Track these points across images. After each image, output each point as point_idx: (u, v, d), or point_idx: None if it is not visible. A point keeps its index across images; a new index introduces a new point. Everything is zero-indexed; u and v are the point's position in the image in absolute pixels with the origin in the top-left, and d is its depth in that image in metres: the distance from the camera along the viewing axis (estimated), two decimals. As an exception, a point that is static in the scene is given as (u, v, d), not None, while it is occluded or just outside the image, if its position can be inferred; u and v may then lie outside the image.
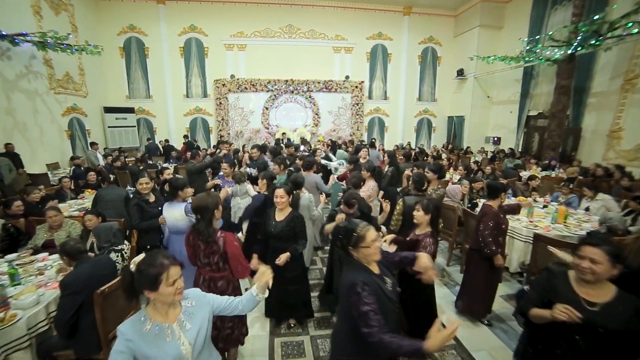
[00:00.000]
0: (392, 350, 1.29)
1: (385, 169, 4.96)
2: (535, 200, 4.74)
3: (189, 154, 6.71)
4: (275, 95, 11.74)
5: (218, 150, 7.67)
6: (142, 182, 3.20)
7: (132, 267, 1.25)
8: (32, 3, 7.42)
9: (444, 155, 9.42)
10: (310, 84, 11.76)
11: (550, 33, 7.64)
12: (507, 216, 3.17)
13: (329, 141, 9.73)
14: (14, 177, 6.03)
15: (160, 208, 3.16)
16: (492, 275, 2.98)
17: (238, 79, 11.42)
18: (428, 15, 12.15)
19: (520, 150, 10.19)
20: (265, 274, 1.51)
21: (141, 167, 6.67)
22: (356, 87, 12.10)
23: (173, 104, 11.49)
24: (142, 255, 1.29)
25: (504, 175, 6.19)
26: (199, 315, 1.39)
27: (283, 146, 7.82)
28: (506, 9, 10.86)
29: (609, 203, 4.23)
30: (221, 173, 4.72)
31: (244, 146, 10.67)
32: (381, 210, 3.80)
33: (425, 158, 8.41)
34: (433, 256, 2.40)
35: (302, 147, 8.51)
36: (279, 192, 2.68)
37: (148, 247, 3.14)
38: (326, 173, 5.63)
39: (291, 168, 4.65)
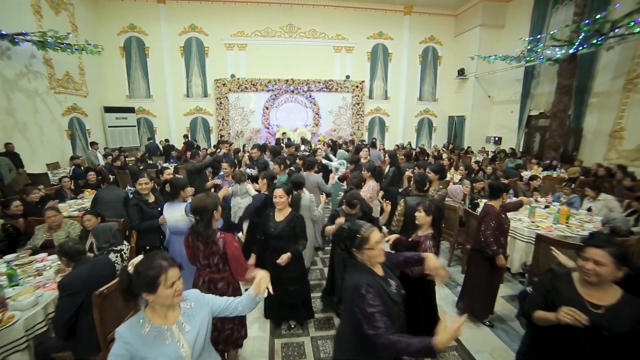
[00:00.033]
0: (401, 350, 1.26)
1: (386, 169, 4.93)
2: (536, 201, 4.72)
3: (189, 153, 6.70)
4: (275, 94, 11.72)
5: (218, 150, 7.66)
6: (141, 182, 3.18)
7: (130, 269, 1.23)
8: (32, 2, 7.40)
9: (444, 155, 9.39)
10: (311, 83, 11.74)
11: (552, 32, 7.60)
12: (509, 216, 3.15)
13: (330, 141, 9.72)
14: (14, 177, 6.03)
15: (159, 208, 3.14)
16: (493, 275, 2.97)
17: (238, 79, 11.41)
18: (429, 15, 12.12)
19: (521, 150, 10.17)
20: (262, 281, 1.47)
21: (141, 167, 6.65)
22: (357, 86, 12.08)
23: (173, 104, 11.48)
24: (140, 257, 1.27)
25: (505, 175, 6.17)
26: (199, 316, 1.37)
27: (283, 146, 7.80)
28: (507, 8, 10.83)
29: (611, 203, 4.20)
30: (221, 173, 4.71)
31: (244, 146, 10.66)
32: (381, 210, 3.79)
33: (426, 158, 8.39)
34: None
35: (302, 147, 8.49)
36: (278, 192, 2.66)
37: (147, 247, 3.12)
38: (326, 173, 5.61)
39: (292, 168, 4.63)
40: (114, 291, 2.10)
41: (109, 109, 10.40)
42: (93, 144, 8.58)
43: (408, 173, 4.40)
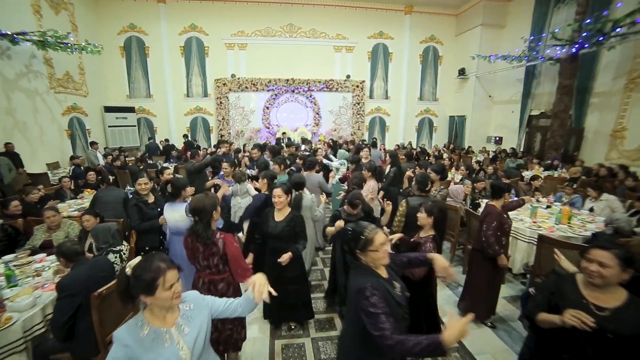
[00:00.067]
0: (409, 348, 1.24)
1: (387, 169, 4.91)
2: (538, 201, 4.70)
3: (189, 153, 6.68)
4: (276, 94, 11.71)
5: (217, 150, 7.64)
6: (140, 182, 3.16)
7: (128, 270, 1.21)
8: (31, 2, 7.39)
9: (445, 155, 9.36)
10: (311, 83, 11.72)
11: (553, 32, 7.57)
12: (511, 216, 3.13)
13: (330, 141, 9.70)
14: (14, 177, 6.01)
15: (159, 209, 3.12)
16: (494, 275, 2.95)
17: (239, 78, 11.39)
18: (429, 14, 12.10)
19: (522, 150, 10.14)
20: (262, 287, 1.39)
21: (141, 167, 6.63)
22: (357, 86, 12.05)
23: (173, 104, 11.47)
24: (138, 259, 1.25)
25: (507, 175, 6.15)
26: (198, 318, 1.35)
27: (284, 145, 7.78)
28: (508, 7, 10.80)
29: (613, 204, 4.18)
30: (222, 172, 4.69)
31: (244, 145, 10.64)
32: (382, 211, 3.76)
33: (426, 158, 8.36)
34: None
35: (303, 147, 8.47)
36: (277, 191, 2.64)
37: (147, 248, 3.10)
38: (326, 172, 5.59)
39: (292, 168, 4.61)
40: (112, 292, 2.08)
41: (109, 109, 10.39)
42: (93, 143, 8.57)
43: (409, 173, 4.37)
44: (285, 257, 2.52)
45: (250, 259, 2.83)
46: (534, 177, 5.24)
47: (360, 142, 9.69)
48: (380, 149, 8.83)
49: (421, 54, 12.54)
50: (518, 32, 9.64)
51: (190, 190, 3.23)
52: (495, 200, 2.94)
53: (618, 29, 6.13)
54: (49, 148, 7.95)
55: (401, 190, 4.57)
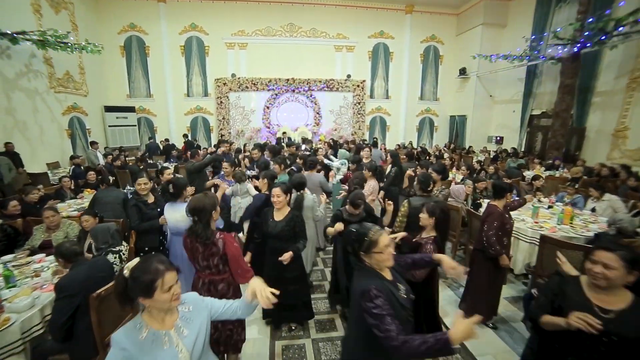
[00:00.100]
0: (415, 348, 1.22)
1: (388, 169, 4.89)
2: (539, 201, 4.67)
3: (189, 153, 6.67)
4: (276, 94, 11.69)
5: (217, 149, 7.62)
6: (140, 182, 3.13)
7: (126, 272, 1.19)
8: (31, 1, 7.38)
9: (446, 155, 9.34)
10: (312, 82, 11.70)
11: (555, 31, 7.54)
12: (513, 216, 3.11)
13: (330, 140, 9.68)
14: (14, 177, 6.00)
15: (159, 209, 3.10)
16: (496, 275, 2.93)
17: (239, 78, 11.38)
18: (430, 14, 12.07)
19: (523, 150, 10.11)
20: (263, 292, 1.35)
21: (141, 167, 6.62)
22: (358, 86, 12.03)
23: (174, 103, 11.46)
24: (136, 260, 1.23)
25: (508, 175, 6.12)
26: (197, 320, 1.34)
27: (284, 145, 7.76)
28: (509, 6, 10.77)
29: (615, 204, 4.15)
30: (222, 172, 4.68)
31: (245, 145, 10.63)
32: (383, 211, 3.74)
33: (427, 158, 8.34)
34: None
35: (303, 146, 8.45)
36: (276, 191, 2.63)
37: (146, 248, 3.08)
38: (326, 171, 5.57)
39: (293, 167, 4.59)
40: (111, 293, 2.06)
41: (109, 108, 10.38)
42: (93, 143, 8.56)
43: (409, 172, 4.35)
44: (286, 256, 2.50)
45: (248, 257, 2.82)
46: (536, 177, 5.21)
47: (361, 142, 9.67)
48: (380, 149, 8.80)
49: (422, 53, 12.51)
50: (519, 31, 9.61)
51: (190, 190, 3.21)
52: (497, 200, 2.92)
53: (620, 28, 6.10)
54: (49, 148, 7.95)
55: (402, 189, 4.55)
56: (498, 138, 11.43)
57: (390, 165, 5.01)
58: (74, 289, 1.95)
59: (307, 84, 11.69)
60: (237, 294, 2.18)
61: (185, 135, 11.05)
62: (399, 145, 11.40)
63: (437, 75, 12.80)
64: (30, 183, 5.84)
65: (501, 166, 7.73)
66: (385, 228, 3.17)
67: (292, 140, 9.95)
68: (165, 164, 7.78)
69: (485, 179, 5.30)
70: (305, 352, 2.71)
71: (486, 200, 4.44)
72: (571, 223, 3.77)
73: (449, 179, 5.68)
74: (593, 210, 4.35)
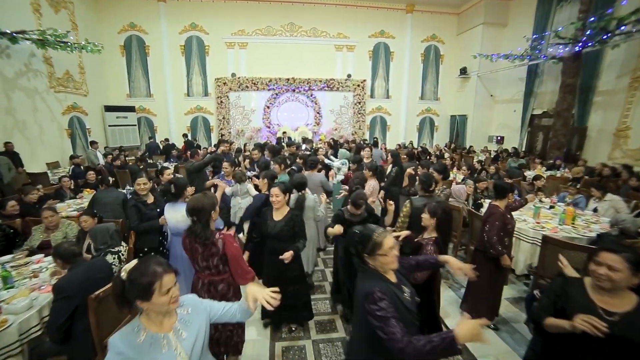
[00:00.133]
0: (421, 348, 1.20)
1: (389, 169, 4.87)
2: (540, 201, 4.64)
3: (189, 152, 6.65)
4: (276, 93, 11.66)
5: (217, 149, 7.61)
6: (139, 182, 3.11)
7: (123, 274, 1.17)
8: (31, 1, 7.36)
9: (446, 155, 9.32)
10: (312, 82, 11.68)
11: (556, 30, 7.51)
12: (514, 216, 3.09)
13: (331, 140, 9.65)
14: (14, 176, 5.99)
15: (158, 210, 3.08)
16: (497, 276, 2.92)
17: (239, 78, 11.36)
18: (431, 13, 12.04)
19: (523, 149, 10.08)
20: (263, 296, 1.35)
21: (140, 167, 6.60)
22: (358, 85, 12.01)
23: (174, 103, 11.44)
24: (133, 262, 1.21)
25: (509, 175, 6.10)
26: (196, 323, 1.32)
27: (284, 145, 7.74)
28: (510, 6, 10.73)
29: (617, 204, 4.12)
30: (222, 172, 4.66)
31: (245, 145, 10.61)
32: (383, 211, 3.72)
33: (428, 157, 8.32)
34: None
35: (303, 146, 8.44)
36: (274, 191, 2.61)
37: (146, 249, 3.06)
38: (326, 171, 5.55)
39: (293, 167, 4.57)
40: (110, 294, 2.05)
41: (109, 108, 10.36)
42: (93, 143, 8.55)
43: (409, 170, 4.32)
44: (287, 255, 2.48)
45: (245, 257, 2.80)
46: (537, 177, 5.18)
47: (361, 142, 9.65)
48: (381, 149, 8.78)
49: (422, 53, 12.48)
50: (520, 30, 9.58)
51: (190, 190, 3.19)
52: (499, 200, 2.91)
53: (622, 27, 6.06)
54: (49, 147, 7.93)
55: (402, 189, 4.53)
56: (499, 138, 11.40)
57: (391, 165, 4.99)
58: (72, 290, 1.93)
59: (308, 83, 11.66)
60: (237, 294, 2.17)
61: (185, 135, 11.04)
62: (399, 145, 11.37)
63: (438, 75, 12.77)
64: (29, 183, 5.84)
65: (502, 166, 7.71)
66: (387, 228, 3.17)
67: (292, 140, 9.93)
68: (165, 164, 7.77)
69: (486, 178, 5.28)
70: (306, 353, 2.69)
71: (487, 200, 4.42)
72: (573, 223, 3.74)
73: (450, 179, 5.66)
74: (595, 210, 4.33)
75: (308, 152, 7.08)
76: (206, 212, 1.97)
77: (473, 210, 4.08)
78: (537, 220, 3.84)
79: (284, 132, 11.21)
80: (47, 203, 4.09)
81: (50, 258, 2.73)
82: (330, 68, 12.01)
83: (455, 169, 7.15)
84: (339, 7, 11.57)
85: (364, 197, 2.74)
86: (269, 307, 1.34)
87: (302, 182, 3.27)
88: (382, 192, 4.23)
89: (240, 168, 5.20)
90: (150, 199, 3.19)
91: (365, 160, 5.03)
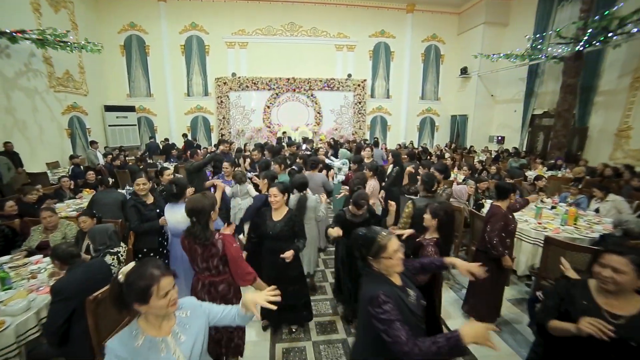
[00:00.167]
0: (426, 349, 1.18)
1: (389, 169, 4.85)
2: (542, 201, 4.62)
3: (189, 152, 6.64)
4: (276, 93, 11.64)
5: (217, 149, 7.59)
6: (139, 182, 3.07)
7: (121, 277, 1.15)
8: (31, 0, 7.34)
9: (447, 155, 9.29)
10: (312, 82, 11.65)
11: (557, 29, 7.48)
12: (515, 216, 3.07)
13: (331, 140, 9.63)
14: (13, 176, 5.97)
15: (158, 210, 3.06)
16: (498, 276, 2.90)
17: (239, 77, 11.33)
18: (431, 13, 12.01)
19: (524, 149, 10.06)
20: (261, 298, 1.36)
21: (140, 167, 6.58)
22: (358, 85, 11.98)
23: (174, 103, 11.42)
24: (131, 265, 1.19)
25: (510, 175, 6.07)
26: (195, 326, 1.30)
27: (285, 145, 7.72)
28: (511, 5, 10.71)
29: (620, 205, 4.09)
30: (222, 173, 4.64)
31: (245, 145, 10.59)
32: (384, 211, 3.69)
33: (428, 157, 8.29)
34: None
35: (304, 146, 8.41)
36: (273, 191, 2.59)
37: (145, 250, 3.04)
38: (326, 170, 5.53)
39: (294, 167, 4.55)
40: (108, 296, 2.03)
41: (109, 108, 10.34)
42: (93, 143, 8.53)
43: (409, 169, 4.30)
44: (289, 254, 2.45)
45: (243, 256, 2.78)
46: (538, 177, 5.16)
47: (362, 142, 9.63)
48: (381, 148, 8.76)
49: (423, 52, 12.45)
50: (521, 30, 9.56)
51: (190, 190, 3.17)
52: (501, 201, 2.89)
53: (628, 24, 6.00)
54: (49, 147, 7.91)
55: (402, 188, 4.50)
56: (499, 138, 11.38)
57: (392, 165, 4.97)
58: (69, 292, 1.91)
59: (308, 83, 11.64)
60: (238, 295, 2.15)
61: (184, 135, 11.02)
62: (400, 145, 11.35)
63: (438, 75, 12.75)
64: (29, 183, 5.82)
65: (503, 166, 7.68)
66: (390, 228, 3.14)
67: (293, 140, 9.90)
68: (165, 164, 7.75)
69: (487, 179, 5.26)
70: (306, 354, 2.67)
71: (489, 201, 4.40)
72: (575, 224, 3.72)
73: (451, 179, 5.64)
74: (597, 211, 4.30)
75: (308, 152, 7.06)
76: (205, 213, 1.95)
77: (474, 210, 4.06)
78: (538, 221, 3.82)
79: (284, 132, 11.18)
80: (45, 203, 4.07)
81: (48, 259, 2.72)
82: (330, 68, 11.99)
83: (456, 169, 7.13)
84: (339, 7, 11.54)
85: (366, 198, 2.72)
86: (271, 307, 1.33)
87: (304, 182, 3.25)
88: (382, 192, 4.21)
89: (240, 168, 5.18)
90: (150, 200, 3.15)
91: (366, 160, 5.01)
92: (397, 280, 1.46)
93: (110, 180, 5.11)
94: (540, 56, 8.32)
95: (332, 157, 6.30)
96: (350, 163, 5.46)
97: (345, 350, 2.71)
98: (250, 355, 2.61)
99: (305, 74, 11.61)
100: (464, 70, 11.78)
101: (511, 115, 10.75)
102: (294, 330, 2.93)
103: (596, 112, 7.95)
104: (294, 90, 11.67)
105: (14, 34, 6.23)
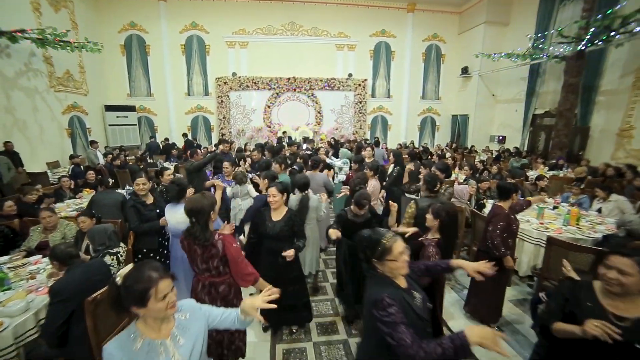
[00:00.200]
0: (432, 351, 1.17)
1: (390, 169, 4.83)
2: (543, 201, 4.59)
3: (189, 152, 6.62)
4: (277, 93, 11.62)
5: (216, 149, 7.57)
6: (138, 182, 3.05)
7: (118, 280, 1.13)
8: (31, 0, 7.32)
9: (448, 154, 9.26)
10: (313, 82, 11.63)
11: (559, 28, 7.45)
12: (517, 216, 3.05)
13: (332, 139, 9.61)
14: (13, 176, 5.96)
15: (158, 210, 3.04)
16: (500, 277, 2.86)
17: (240, 77, 11.32)
18: (432, 12, 11.99)
19: (525, 149, 10.03)
20: (263, 302, 1.36)
21: (141, 166, 6.57)
22: (359, 85, 11.96)
23: (174, 102, 11.41)
24: (129, 267, 1.17)
25: (511, 175, 6.03)
26: (194, 328, 1.28)
27: (285, 145, 7.70)
28: (513, 4, 10.67)
29: (623, 205, 4.07)
30: (222, 173, 4.62)
31: (246, 145, 10.57)
32: (385, 211, 3.68)
33: (429, 157, 8.27)
34: None
35: (304, 146, 8.39)
36: (272, 191, 2.57)
37: (145, 250, 3.02)
38: (327, 169, 5.51)
39: (295, 167, 4.53)
40: (106, 299, 2.01)
41: (109, 108, 10.34)
42: (93, 142, 8.51)
43: (409, 166, 4.28)
44: (291, 252, 2.44)
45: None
46: (540, 177, 5.13)
47: (362, 141, 9.60)
48: (382, 148, 8.73)
49: (424, 52, 12.43)
50: (522, 29, 9.54)
51: (190, 190, 3.15)
52: (503, 201, 2.88)
53: (631, 23, 5.96)
54: (49, 147, 7.91)
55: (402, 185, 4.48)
56: (500, 137, 11.35)
57: (393, 165, 4.95)
58: (68, 293, 1.89)
59: (308, 83, 11.62)
60: (238, 295, 2.13)
61: (185, 135, 11.01)
62: (400, 144, 11.33)
63: (439, 74, 12.72)
64: (29, 183, 5.81)
65: (504, 166, 7.65)
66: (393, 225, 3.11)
67: (293, 139, 9.88)
68: (166, 164, 7.74)
69: (489, 178, 5.24)
70: (307, 355, 2.65)
71: (490, 201, 4.38)
72: (577, 224, 3.69)
73: (452, 178, 5.62)
74: (599, 211, 4.28)
75: (309, 152, 7.04)
76: (205, 213, 1.93)
77: (476, 210, 4.04)
78: (540, 221, 3.79)
79: (285, 132, 11.16)
80: (44, 202, 4.06)
81: (47, 259, 2.70)
82: (331, 67, 11.96)
83: (457, 169, 7.10)
84: (339, 6, 11.52)
85: (368, 197, 2.70)
86: (271, 306, 1.33)
87: (306, 182, 3.23)
88: (382, 191, 4.19)
89: (240, 168, 5.16)
90: (150, 200, 3.13)
91: (367, 160, 4.99)
92: (402, 282, 1.44)
93: (110, 180, 5.09)
94: (541, 55, 8.29)
95: (332, 157, 6.28)
96: (351, 163, 5.44)
97: (346, 351, 2.69)
98: (250, 357, 2.59)
99: (306, 74, 11.58)
100: (464, 70, 11.75)
101: (512, 115, 10.72)
102: (294, 331, 2.91)
103: (598, 112, 7.92)
104: (295, 89, 11.65)
105: (14, 33, 6.22)
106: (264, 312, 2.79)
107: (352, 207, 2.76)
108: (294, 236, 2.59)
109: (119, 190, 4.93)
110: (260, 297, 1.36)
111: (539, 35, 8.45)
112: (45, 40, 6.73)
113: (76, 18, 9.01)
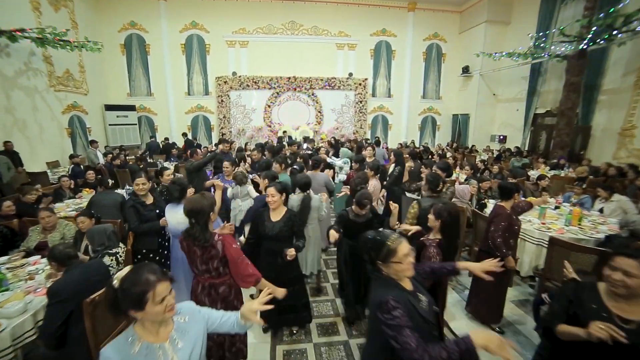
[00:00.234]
0: (437, 355, 1.15)
1: (391, 168, 4.80)
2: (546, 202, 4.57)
3: (189, 152, 6.61)
4: (277, 92, 11.59)
5: (216, 148, 7.55)
6: (138, 182, 3.03)
7: (115, 283, 1.11)
8: (31, -1, 7.32)
9: (448, 154, 9.24)
10: (313, 81, 11.60)
11: (561, 27, 7.41)
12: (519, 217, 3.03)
13: (332, 139, 9.59)
14: (13, 176, 5.95)
15: (158, 210, 3.02)
16: (502, 277, 2.84)
17: (240, 77, 11.30)
18: (433, 11, 11.94)
19: (526, 149, 9.99)
20: (260, 302, 1.37)
21: (141, 166, 6.55)
22: (359, 84, 11.93)
23: (174, 102, 11.39)
24: (126, 270, 1.15)
25: (513, 174, 6.01)
26: (193, 332, 1.26)
27: (285, 144, 7.68)
28: (514, 3, 10.64)
29: (625, 205, 4.04)
30: (222, 172, 4.59)
31: (246, 144, 10.56)
32: (385, 210, 3.66)
33: (430, 157, 8.24)
34: None
35: (305, 145, 8.37)
36: (270, 191, 2.55)
37: (144, 250, 3.01)
38: (327, 169, 5.49)
39: (295, 167, 4.51)
40: (104, 301, 1.99)
41: (109, 107, 10.32)
42: (93, 142, 8.50)
43: (409, 164, 4.25)
44: (292, 252, 2.42)
45: None
46: (541, 177, 5.11)
47: (363, 141, 9.57)
48: (383, 147, 8.71)
49: (424, 51, 12.39)
50: (524, 28, 9.49)
51: (190, 190, 3.13)
52: (505, 201, 2.86)
53: (633, 22, 5.92)
54: (49, 147, 7.90)
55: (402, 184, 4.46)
56: (501, 137, 11.31)
57: (393, 164, 4.93)
58: (67, 294, 1.87)
59: (309, 82, 11.59)
60: (239, 297, 2.12)
61: (185, 134, 10.99)
62: (401, 144, 11.31)
63: (440, 74, 12.68)
64: (29, 182, 5.80)
65: (505, 165, 7.63)
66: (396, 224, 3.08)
67: (293, 139, 9.86)
68: (166, 163, 7.72)
69: (490, 178, 5.21)
70: (307, 356, 2.64)
71: (491, 201, 4.36)
72: (579, 224, 3.67)
73: (453, 178, 5.59)
74: (601, 211, 4.25)
75: (309, 152, 7.02)
76: (204, 214, 1.91)
77: (477, 210, 4.02)
78: (542, 221, 3.76)
79: (285, 131, 11.14)
80: (42, 202, 4.05)
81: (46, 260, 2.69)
82: (331, 67, 11.94)
83: (458, 169, 7.07)
84: (340, 6, 11.48)
85: (369, 197, 2.68)
86: (270, 307, 1.32)
87: (307, 182, 3.21)
88: (383, 191, 4.17)
89: (240, 168, 5.14)
90: (150, 200, 3.11)
91: (367, 160, 4.97)
92: (407, 284, 1.41)
93: (110, 181, 5.08)
94: (543, 54, 8.26)
95: (333, 157, 6.26)
96: (351, 162, 5.42)
97: (347, 352, 2.67)
98: (250, 358, 2.57)
99: (306, 73, 11.56)
100: (465, 69, 11.71)
101: (513, 114, 10.68)
102: (294, 331, 2.89)
103: (600, 111, 7.88)
104: (295, 89, 11.62)
105: (14, 32, 6.20)
106: (264, 314, 2.78)
107: (353, 207, 2.74)
108: (293, 236, 2.57)
109: (119, 191, 4.92)
110: (257, 300, 1.35)
111: (541, 34, 8.41)
112: (45, 40, 6.72)
113: (76, 17, 8.99)
